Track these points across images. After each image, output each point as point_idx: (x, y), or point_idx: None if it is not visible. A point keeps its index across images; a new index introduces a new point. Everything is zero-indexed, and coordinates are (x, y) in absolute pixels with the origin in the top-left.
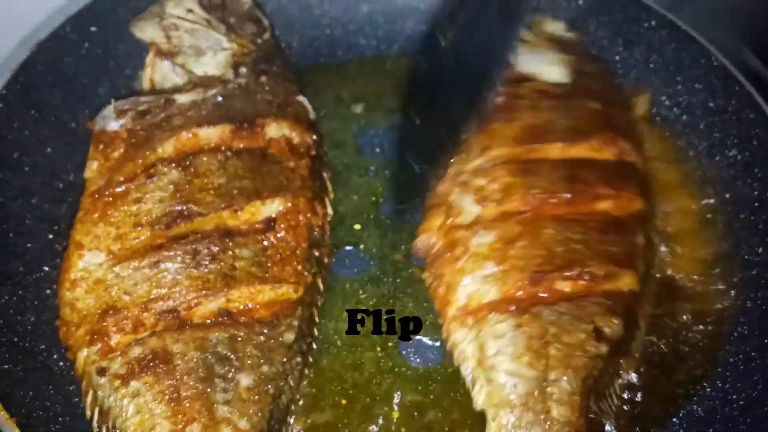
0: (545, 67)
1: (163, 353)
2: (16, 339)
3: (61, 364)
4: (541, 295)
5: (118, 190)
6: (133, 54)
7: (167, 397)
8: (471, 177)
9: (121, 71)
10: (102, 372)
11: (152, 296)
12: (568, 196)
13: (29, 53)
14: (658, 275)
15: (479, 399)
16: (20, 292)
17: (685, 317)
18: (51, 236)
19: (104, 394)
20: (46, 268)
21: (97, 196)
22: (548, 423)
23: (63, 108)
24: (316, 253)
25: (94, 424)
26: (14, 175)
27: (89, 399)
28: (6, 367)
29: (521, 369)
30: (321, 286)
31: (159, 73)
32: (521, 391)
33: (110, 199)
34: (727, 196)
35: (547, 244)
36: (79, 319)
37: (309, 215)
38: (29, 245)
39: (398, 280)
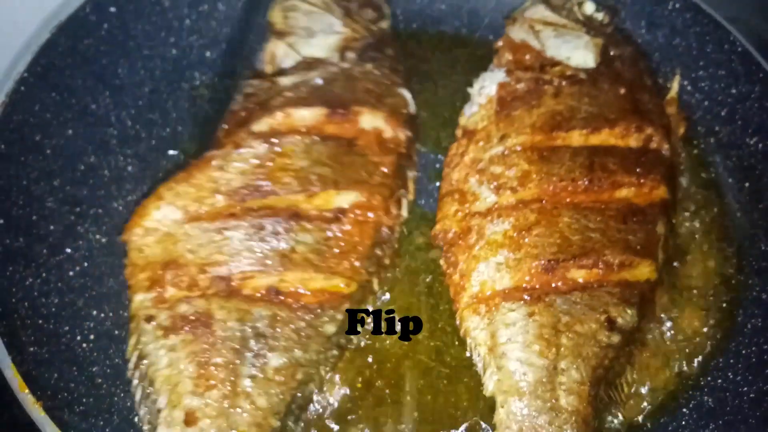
0: (572, 51)
1: (205, 316)
2: (40, 321)
3: (84, 345)
4: (555, 283)
5: (207, 155)
6: (151, 34)
7: (198, 358)
8: (488, 164)
9: (140, 51)
10: (149, 319)
11: (212, 260)
12: (586, 183)
13: (49, 36)
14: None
15: (489, 385)
16: (44, 274)
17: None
18: (73, 218)
19: (147, 340)
20: (69, 250)
21: (190, 160)
22: (556, 411)
23: (83, 90)
24: (379, 253)
25: (131, 365)
26: (36, 157)
27: (133, 341)
28: (31, 350)
29: (532, 357)
30: (376, 287)
31: (278, 52)
32: (531, 379)
33: (198, 162)
34: (747, 185)
35: (562, 232)
36: (144, 263)
37: (380, 213)
38: (52, 227)
39: (420, 264)
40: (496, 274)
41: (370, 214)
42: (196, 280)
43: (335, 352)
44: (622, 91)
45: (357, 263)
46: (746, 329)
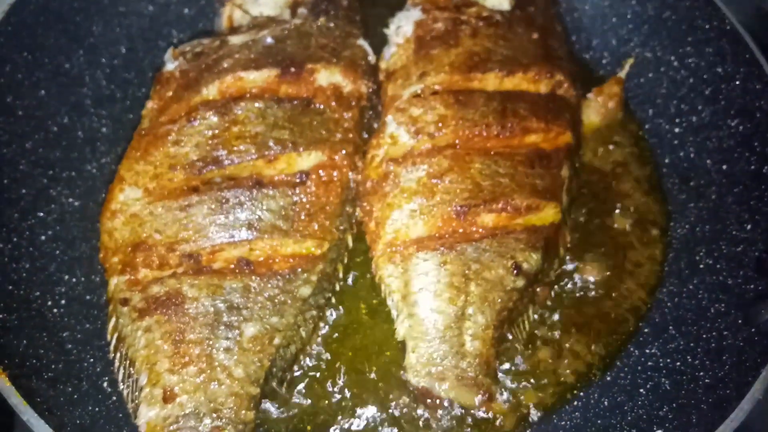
0: None
1: (176, 295)
2: (11, 287)
3: (55, 311)
4: (465, 230)
5: (161, 130)
6: None
7: (172, 337)
8: (408, 105)
9: (115, 8)
10: (125, 302)
11: (179, 238)
12: (499, 128)
13: None
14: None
15: (401, 330)
16: (15, 239)
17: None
18: (45, 181)
19: (124, 322)
20: (41, 214)
21: (143, 133)
22: (461, 355)
23: (56, 49)
24: (349, 209)
25: (111, 346)
26: (7, 120)
27: (111, 324)
28: (0, 316)
29: (442, 305)
30: (350, 242)
31: (236, 15)
32: (440, 325)
33: (152, 138)
34: (724, 167)
35: (474, 178)
36: (115, 247)
37: (345, 170)
38: (23, 191)
39: None
40: (410, 221)
41: (335, 173)
42: (166, 259)
43: (314, 312)
44: (535, 36)
45: (327, 223)
46: (709, 314)
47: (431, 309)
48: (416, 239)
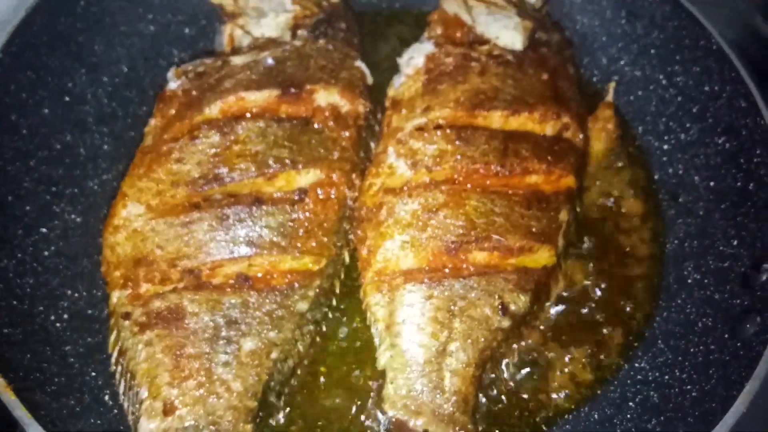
0: (501, 30)
1: (177, 310)
2: (15, 302)
3: (58, 325)
4: (455, 265)
5: (164, 148)
6: (128, 10)
7: (173, 351)
8: (408, 137)
9: (117, 28)
10: (126, 316)
11: (180, 253)
12: (499, 168)
13: (24, 15)
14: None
15: (382, 360)
16: (19, 255)
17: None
18: (49, 197)
19: (125, 336)
20: (44, 230)
21: (146, 151)
22: (439, 391)
23: (59, 69)
24: (346, 226)
25: (113, 360)
26: (11, 138)
27: (113, 337)
28: (5, 331)
29: (424, 339)
30: (347, 258)
31: (237, 34)
32: (420, 359)
33: (155, 155)
34: (712, 184)
35: (468, 214)
36: (117, 261)
37: (343, 188)
38: (27, 208)
39: None
40: (401, 252)
41: (333, 191)
42: (168, 275)
43: (311, 327)
44: (545, 76)
45: (325, 239)
46: (697, 328)
47: (413, 341)
48: (405, 270)
